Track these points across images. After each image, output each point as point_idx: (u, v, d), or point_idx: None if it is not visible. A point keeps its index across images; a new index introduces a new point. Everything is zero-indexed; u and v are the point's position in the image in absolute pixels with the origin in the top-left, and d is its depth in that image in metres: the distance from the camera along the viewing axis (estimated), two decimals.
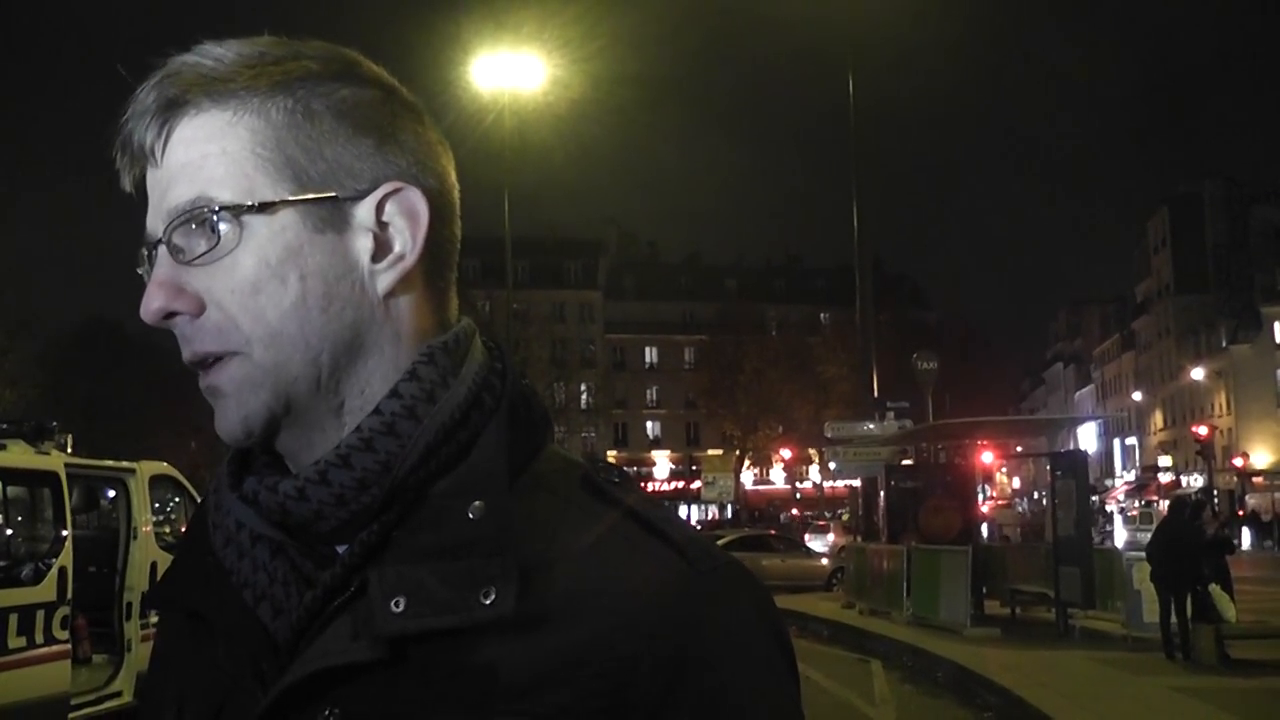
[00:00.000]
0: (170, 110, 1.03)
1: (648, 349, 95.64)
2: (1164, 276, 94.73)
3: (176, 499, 13.24)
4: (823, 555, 33.79)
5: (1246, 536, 53.57)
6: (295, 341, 1.01)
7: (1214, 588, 14.62)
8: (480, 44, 31.45)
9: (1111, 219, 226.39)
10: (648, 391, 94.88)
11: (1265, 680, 13.21)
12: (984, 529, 23.57)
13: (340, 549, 1.02)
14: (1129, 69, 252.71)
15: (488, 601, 0.94)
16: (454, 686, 0.94)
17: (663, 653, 0.95)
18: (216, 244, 1.00)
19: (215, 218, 1.00)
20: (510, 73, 31.29)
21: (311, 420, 1.04)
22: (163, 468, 12.13)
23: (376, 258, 1.04)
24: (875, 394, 30.79)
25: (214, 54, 1.03)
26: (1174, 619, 14.76)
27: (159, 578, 1.16)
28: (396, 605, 0.94)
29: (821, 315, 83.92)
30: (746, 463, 79.53)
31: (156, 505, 12.16)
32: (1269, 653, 14.18)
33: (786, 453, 78.31)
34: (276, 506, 1.02)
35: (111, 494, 11.68)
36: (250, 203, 1.00)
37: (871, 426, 28.85)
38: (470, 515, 0.98)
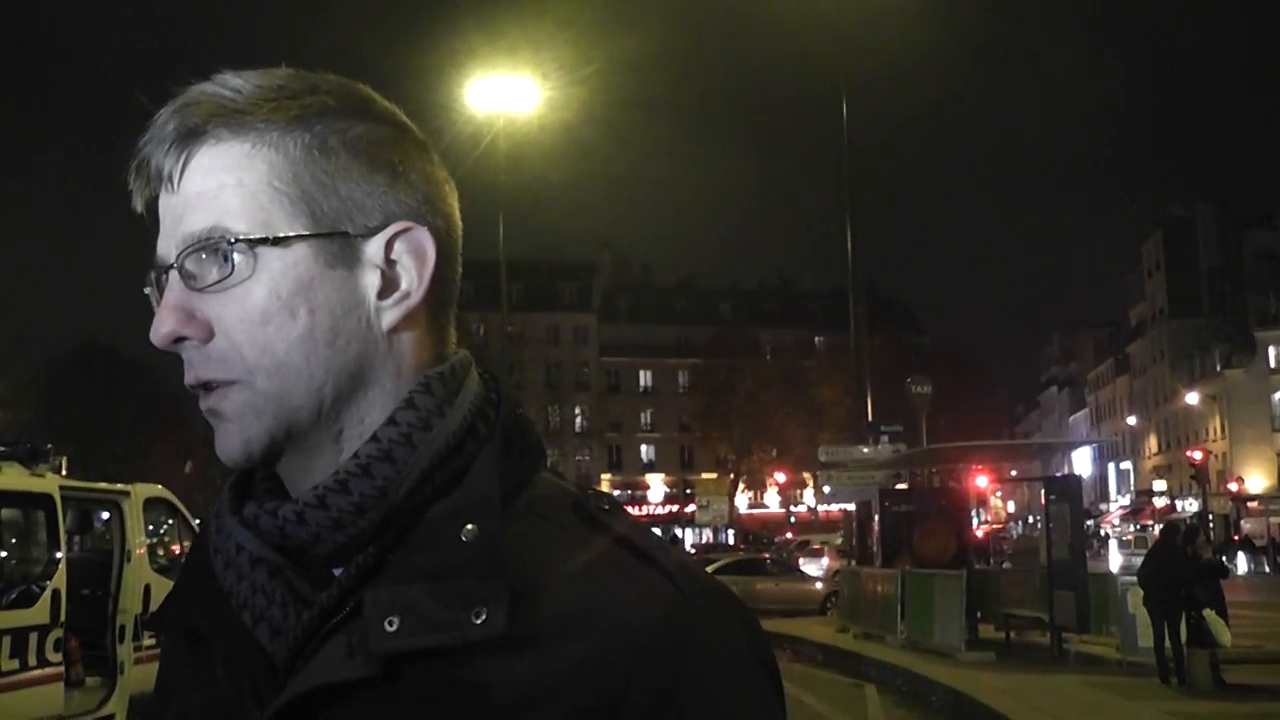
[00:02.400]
0: (189, 138, 1.05)
1: (642, 372, 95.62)
2: (1158, 300, 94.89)
3: (170, 522, 13.21)
4: (817, 579, 33.73)
5: (1242, 561, 53.55)
6: (300, 372, 1.03)
7: (1208, 612, 14.60)
8: (475, 67, 31.57)
9: (1105, 243, 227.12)
10: (642, 415, 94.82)
11: (1260, 705, 13.20)
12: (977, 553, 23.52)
13: (337, 571, 1.04)
14: (1122, 93, 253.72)
15: (479, 621, 0.96)
16: (446, 704, 0.96)
17: (652, 673, 0.97)
18: (230, 273, 1.02)
19: (230, 248, 1.02)
20: (505, 95, 31.38)
21: (310, 446, 1.06)
22: (157, 490, 12.11)
23: (383, 294, 1.06)
24: (869, 418, 30.81)
25: (233, 84, 1.05)
26: (1168, 643, 14.76)
27: (160, 600, 1.18)
28: (390, 624, 0.96)
29: (816, 339, 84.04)
30: (741, 486, 79.50)
31: (150, 528, 12.14)
32: (1264, 677, 14.15)
33: (781, 476, 78.26)
34: (275, 530, 1.04)
35: (105, 516, 11.67)
36: (265, 235, 1.02)
37: (866, 450, 28.87)
38: (463, 538, 1.00)
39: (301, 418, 1.05)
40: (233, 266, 1.02)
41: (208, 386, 1.05)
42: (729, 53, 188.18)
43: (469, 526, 1.01)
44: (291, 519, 1.03)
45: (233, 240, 1.02)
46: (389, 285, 1.07)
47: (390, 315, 1.07)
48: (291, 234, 1.03)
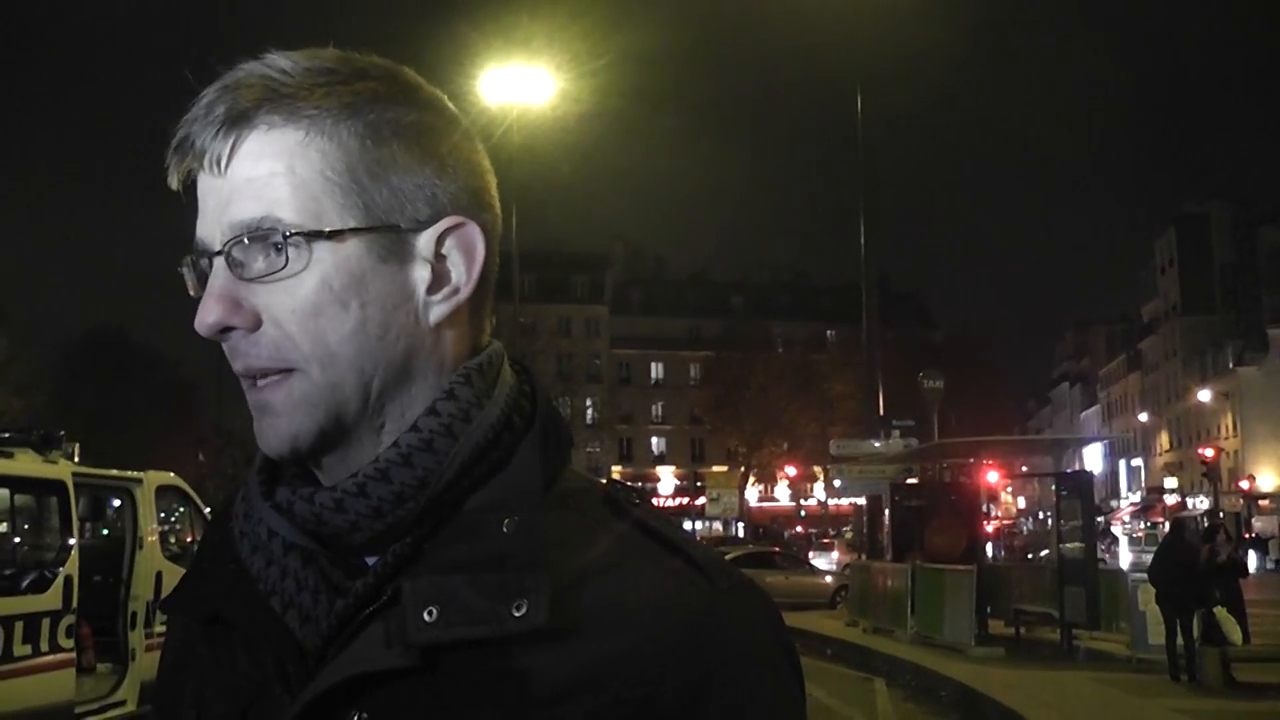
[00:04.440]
0: (240, 122, 1.02)
1: (653, 364, 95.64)
2: (1171, 297, 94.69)
3: (182, 509, 13.25)
4: (827, 573, 33.72)
5: (1252, 559, 53.45)
6: (351, 365, 1.02)
7: (1220, 610, 14.57)
8: (489, 58, 31.49)
9: (1119, 239, 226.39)
10: (653, 407, 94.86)
11: (1270, 703, 13.15)
12: (988, 548, 23.45)
13: (370, 560, 1.04)
14: (1136, 89, 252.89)
15: (519, 613, 0.95)
16: (483, 696, 0.96)
17: (686, 665, 0.98)
18: (283, 266, 1.00)
19: (285, 240, 1.01)
20: (519, 86, 31.31)
21: (353, 439, 1.05)
22: (169, 478, 12.13)
23: (432, 289, 1.06)
24: (881, 412, 30.85)
25: (281, 66, 1.03)
26: (1180, 640, 14.73)
27: (177, 583, 1.16)
28: (429, 614, 0.96)
29: (828, 332, 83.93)
30: (751, 479, 79.42)
31: (162, 515, 12.17)
32: (1275, 676, 14.10)
33: (791, 470, 78.24)
34: (312, 516, 1.03)
35: (117, 503, 11.69)
36: (319, 228, 1.01)
37: (877, 444, 28.86)
38: (504, 529, 1.00)
39: (349, 410, 1.03)
40: (286, 259, 1.00)
41: (259, 376, 1.04)
42: (743, 46, 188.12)
43: (509, 518, 1.01)
44: (330, 506, 1.02)
45: (288, 234, 1.00)
46: (439, 280, 1.06)
47: (438, 310, 1.06)
48: (345, 227, 1.02)
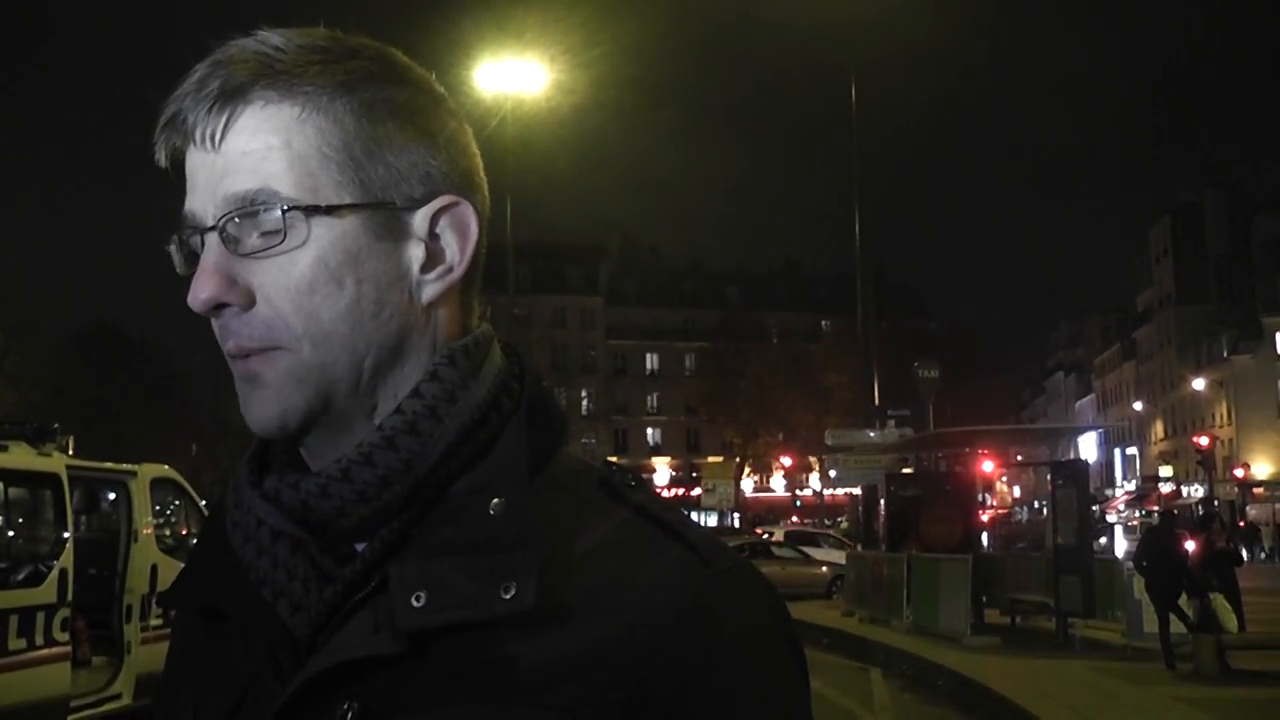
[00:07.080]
0: (234, 97, 1.01)
1: (649, 355, 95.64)
2: (1165, 286, 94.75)
3: (177, 502, 13.22)
4: (823, 563, 33.74)
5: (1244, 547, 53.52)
6: (344, 343, 1.01)
7: (1216, 597, 14.60)
8: (483, 49, 31.46)
9: (1113, 229, 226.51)
10: (648, 398, 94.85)
11: (1265, 691, 13.19)
12: (984, 538, 23.49)
13: (359, 546, 1.03)
14: (1130, 77, 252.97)
15: (508, 596, 0.95)
16: (474, 679, 0.95)
17: (680, 649, 0.97)
18: (280, 241, 0.99)
19: (283, 215, 0.99)
20: (513, 77, 31.30)
21: (343, 422, 1.04)
22: (164, 470, 12.11)
23: (426, 268, 1.05)
24: (876, 402, 30.87)
25: (274, 43, 1.02)
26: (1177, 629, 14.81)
27: (176, 575, 1.16)
28: (417, 599, 0.95)
29: (823, 323, 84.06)
30: (747, 470, 79.50)
31: (157, 508, 12.14)
32: (1270, 664, 14.15)
33: (787, 460, 78.33)
34: (298, 503, 1.02)
35: (112, 496, 11.67)
36: (317, 203, 1.00)
37: (872, 434, 28.91)
38: (490, 511, 0.99)
39: (340, 390, 1.03)
40: (283, 234, 0.99)
41: (249, 354, 1.03)
42: (739, 36, 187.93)
43: (496, 500, 1.00)
44: (315, 492, 1.01)
45: (285, 208, 0.99)
46: (433, 259, 1.06)
47: (431, 289, 1.06)
48: (343, 203, 1.01)
